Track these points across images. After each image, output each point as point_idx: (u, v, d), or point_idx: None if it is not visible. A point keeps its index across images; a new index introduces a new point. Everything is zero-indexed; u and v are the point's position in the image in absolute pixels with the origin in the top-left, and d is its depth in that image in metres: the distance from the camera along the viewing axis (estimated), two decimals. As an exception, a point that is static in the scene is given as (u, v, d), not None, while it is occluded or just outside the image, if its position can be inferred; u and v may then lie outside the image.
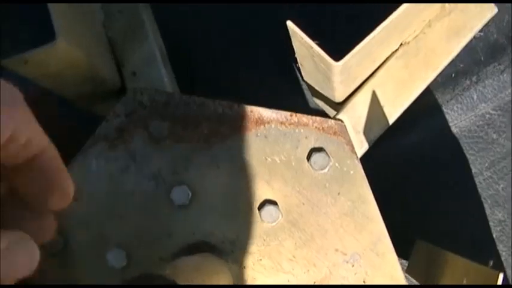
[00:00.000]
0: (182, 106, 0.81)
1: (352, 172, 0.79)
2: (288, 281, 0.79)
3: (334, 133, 0.79)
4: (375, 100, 0.84)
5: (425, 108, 1.08)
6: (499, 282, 0.62)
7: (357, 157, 0.79)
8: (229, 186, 0.80)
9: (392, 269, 0.79)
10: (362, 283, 0.78)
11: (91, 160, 0.82)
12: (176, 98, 0.82)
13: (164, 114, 0.81)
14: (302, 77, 0.95)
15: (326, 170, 0.79)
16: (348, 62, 0.72)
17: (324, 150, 0.79)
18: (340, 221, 0.79)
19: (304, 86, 1.05)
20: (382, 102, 0.84)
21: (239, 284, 0.79)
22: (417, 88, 0.85)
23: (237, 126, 0.80)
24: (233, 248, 0.79)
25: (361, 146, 0.84)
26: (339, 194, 0.79)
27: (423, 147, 1.09)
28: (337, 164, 0.79)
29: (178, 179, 0.80)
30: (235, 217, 0.80)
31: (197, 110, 0.81)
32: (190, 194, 0.79)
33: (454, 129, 1.10)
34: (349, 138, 0.79)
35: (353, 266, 0.79)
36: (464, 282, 0.71)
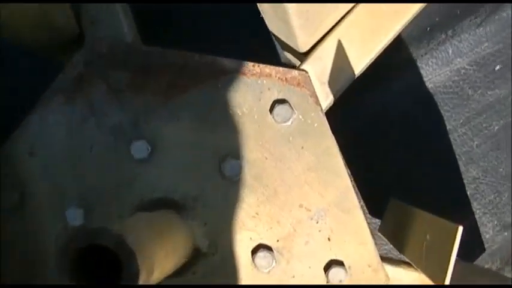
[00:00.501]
0: (142, 56, 0.78)
1: (316, 125, 0.76)
2: (251, 238, 0.77)
3: (298, 84, 0.76)
4: (340, 50, 0.80)
5: (399, 62, 1.04)
6: (458, 235, 0.59)
7: (322, 109, 0.76)
8: (190, 139, 0.77)
9: (358, 226, 0.76)
10: (327, 240, 0.75)
11: (48, 113, 0.79)
12: (136, 47, 0.80)
13: (123, 64, 0.78)
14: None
15: (289, 123, 0.76)
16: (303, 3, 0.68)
17: (287, 102, 0.75)
18: (304, 176, 0.76)
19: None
20: (348, 52, 0.80)
21: (199, 241, 0.77)
22: (385, 37, 0.81)
23: (198, 77, 0.77)
24: (194, 204, 0.77)
25: (327, 98, 0.80)
26: (302, 148, 0.76)
27: (396, 103, 1.05)
28: (300, 117, 0.76)
29: (138, 133, 0.77)
30: (196, 172, 0.77)
31: (158, 60, 0.78)
32: (149, 148, 0.77)
33: (429, 85, 1.06)
34: (314, 89, 0.76)
35: (317, 222, 0.76)
36: (427, 238, 0.68)
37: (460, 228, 0.57)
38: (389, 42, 0.81)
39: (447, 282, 0.58)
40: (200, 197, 0.77)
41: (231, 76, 0.76)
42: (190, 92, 0.77)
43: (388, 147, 1.04)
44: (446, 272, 0.57)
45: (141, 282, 0.58)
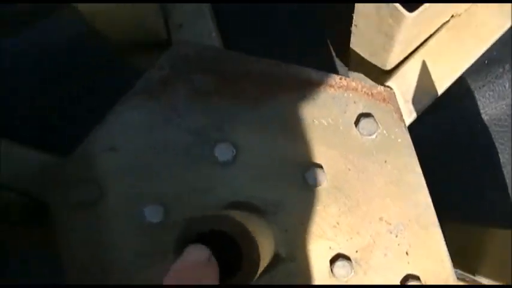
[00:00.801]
0: (230, 62, 0.80)
1: (399, 140, 0.78)
2: (330, 248, 0.77)
3: (383, 100, 0.78)
4: (425, 69, 0.83)
5: (457, 93, 1.07)
6: None
7: (405, 125, 0.78)
8: (274, 147, 0.78)
9: (436, 243, 0.77)
10: (405, 255, 0.77)
11: (131, 111, 0.80)
12: (224, 53, 0.81)
13: (211, 69, 0.79)
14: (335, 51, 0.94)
15: (374, 137, 0.77)
16: (419, 15, 0.71)
17: (373, 116, 0.77)
18: (386, 189, 0.77)
19: (338, 63, 1.04)
20: (432, 72, 0.83)
21: (279, 246, 0.77)
22: (466, 61, 0.85)
23: (285, 87, 0.79)
24: (275, 210, 0.77)
25: (410, 115, 0.82)
26: (385, 162, 0.77)
27: (452, 132, 1.08)
28: (385, 131, 0.78)
29: (222, 136, 0.78)
30: (280, 179, 0.78)
31: (245, 67, 0.79)
32: (234, 151, 0.77)
33: (484, 117, 1.09)
34: (398, 105, 0.78)
35: (396, 236, 0.77)
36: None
37: None
38: (470, 65, 0.84)
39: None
40: (282, 204, 0.77)
41: (317, 87, 0.78)
42: (276, 101, 0.78)
43: (436, 173, 1.06)
44: None
45: (257, 273, 0.58)
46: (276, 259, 0.77)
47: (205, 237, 0.59)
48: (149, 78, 0.80)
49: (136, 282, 0.79)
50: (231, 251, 0.59)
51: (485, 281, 0.81)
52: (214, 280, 0.55)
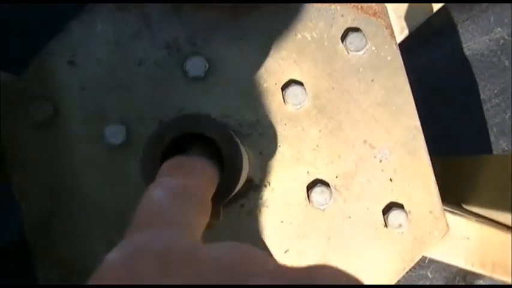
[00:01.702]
0: (207, -31, 0.72)
1: (389, 58, 0.71)
2: (308, 172, 0.71)
3: (374, 14, 0.72)
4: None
5: (439, 26, 1.02)
6: None
7: (396, 43, 0.71)
8: (252, 62, 0.71)
9: (423, 169, 0.72)
10: (389, 181, 0.71)
11: (97, 20, 0.72)
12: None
13: (185, -23, 0.72)
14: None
15: (361, 53, 0.71)
16: None
17: (361, 31, 0.71)
18: (371, 110, 0.71)
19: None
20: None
21: (253, 171, 0.71)
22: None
23: (266, -3, 0.71)
24: (250, 131, 0.71)
25: (402, 32, 0.76)
26: (372, 80, 0.71)
27: (433, 67, 1.03)
28: (373, 48, 0.71)
29: (196, 50, 0.71)
30: (256, 97, 0.71)
31: (222, -26, 0.72)
32: (207, 66, 0.70)
33: (467, 52, 1.04)
34: (389, 21, 0.72)
35: (381, 161, 0.71)
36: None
37: None
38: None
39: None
40: (257, 125, 0.71)
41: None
42: (257, 13, 0.71)
43: (419, 112, 1.01)
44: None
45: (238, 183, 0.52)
46: (248, 185, 0.71)
47: (183, 140, 0.53)
48: (118, -14, 0.73)
49: (101, 206, 0.72)
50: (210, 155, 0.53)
51: (474, 210, 0.76)
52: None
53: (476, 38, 1.05)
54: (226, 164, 0.51)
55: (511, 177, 0.66)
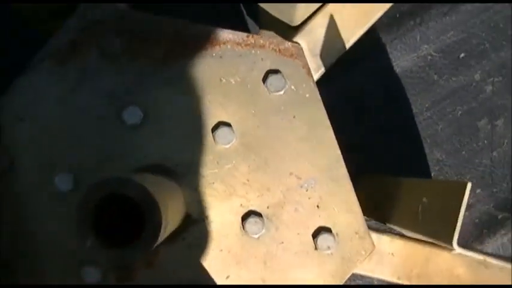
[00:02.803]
0: (138, 23, 0.78)
1: (307, 95, 0.78)
2: (241, 205, 0.78)
3: (291, 55, 0.78)
4: (332, 24, 0.83)
5: (370, 46, 1.09)
6: (467, 191, 0.62)
7: (313, 80, 0.78)
8: (183, 107, 0.78)
9: (347, 194, 0.78)
10: (316, 208, 0.78)
11: (39, 77, 0.78)
12: (132, 14, 0.79)
13: (119, 30, 0.78)
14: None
15: (282, 93, 0.78)
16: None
17: (280, 72, 0.77)
18: (295, 145, 0.78)
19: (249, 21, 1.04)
20: (340, 26, 0.83)
21: (190, 207, 0.77)
22: (375, 14, 0.85)
23: (192, 46, 0.78)
24: (186, 171, 0.77)
25: (318, 70, 0.83)
26: (294, 117, 0.78)
27: (365, 86, 1.09)
28: (293, 87, 0.78)
29: (130, 99, 0.77)
30: (189, 139, 0.78)
31: (153, 27, 0.78)
32: (142, 115, 0.77)
33: (397, 69, 1.12)
34: (306, 61, 0.78)
35: (307, 190, 0.78)
36: (424, 201, 0.71)
37: (469, 185, 0.61)
38: (376, 20, 0.85)
39: (455, 240, 0.61)
40: (192, 164, 0.77)
41: (225, 46, 0.78)
42: (184, 60, 0.78)
43: (354, 129, 1.08)
44: (454, 230, 0.61)
45: (159, 236, 0.58)
46: (187, 220, 0.77)
47: (108, 201, 0.59)
48: (56, 43, 0.79)
49: (56, 246, 0.78)
50: (134, 214, 0.59)
51: (396, 228, 0.83)
52: None
53: (404, 56, 1.12)
54: (147, 219, 0.58)
55: (419, 201, 0.73)
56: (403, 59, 1.10)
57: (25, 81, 0.78)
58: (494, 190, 1.11)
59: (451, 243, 0.62)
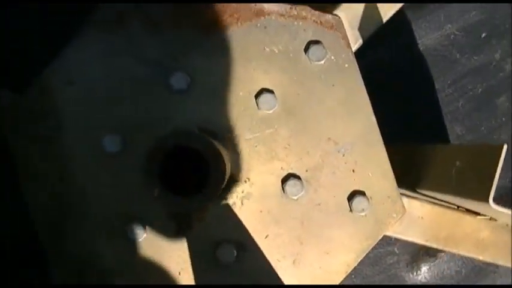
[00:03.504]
0: (183, -7, 0.82)
1: (346, 65, 0.82)
2: (282, 168, 0.82)
3: (331, 27, 0.82)
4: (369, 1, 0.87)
5: (397, 25, 1.13)
6: (503, 153, 0.66)
7: (352, 51, 0.82)
8: (227, 74, 0.82)
9: (381, 160, 0.83)
10: (351, 172, 0.82)
11: (87, 43, 0.82)
12: (178, -15, 0.83)
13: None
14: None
15: (322, 62, 0.82)
16: None
17: (321, 43, 0.81)
18: (333, 111, 0.82)
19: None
20: (377, 2, 0.87)
21: (233, 169, 0.81)
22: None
23: (238, 16, 0.82)
24: (230, 134, 0.81)
25: (356, 41, 0.87)
26: (333, 85, 0.82)
27: (391, 62, 1.14)
28: (333, 57, 0.82)
29: (177, 65, 0.81)
30: (233, 104, 0.82)
31: (199, -2, 0.82)
32: (189, 80, 0.81)
33: (421, 47, 1.16)
34: (345, 32, 0.82)
35: (344, 155, 0.82)
36: (457, 165, 0.75)
37: (505, 146, 0.65)
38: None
39: (491, 197, 0.66)
40: (235, 128, 0.81)
41: (269, 17, 0.82)
42: (230, 30, 0.82)
43: (381, 100, 1.12)
44: (490, 189, 0.65)
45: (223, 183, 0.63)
46: (231, 181, 0.81)
47: (173, 155, 0.63)
48: (105, 11, 0.82)
49: (103, 209, 0.82)
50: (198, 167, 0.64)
51: (426, 193, 0.88)
52: None
53: (428, 34, 1.17)
54: (211, 169, 0.62)
55: (452, 165, 0.78)
56: (427, 37, 1.14)
57: (75, 48, 0.82)
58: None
59: (487, 200, 0.67)
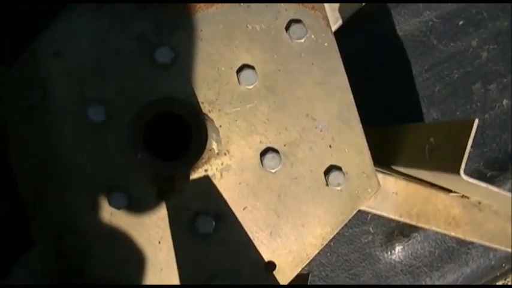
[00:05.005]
0: (170, -30, 0.84)
1: (326, 44, 0.85)
2: (260, 142, 0.85)
3: (312, 8, 0.85)
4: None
5: (376, 10, 1.16)
6: (474, 126, 0.69)
7: (332, 31, 0.85)
8: (210, 50, 0.84)
9: (357, 136, 0.85)
10: (328, 148, 0.85)
11: (75, 17, 0.84)
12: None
13: (152, -24, 0.84)
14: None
15: (302, 41, 0.84)
16: None
17: (302, 22, 0.84)
18: (312, 88, 0.85)
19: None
20: (357, -17, 0.91)
21: (213, 142, 0.84)
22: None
23: (222, -5, 0.84)
24: (211, 108, 0.84)
25: (336, 22, 0.90)
26: (312, 64, 0.85)
27: (370, 47, 1.17)
28: (313, 36, 0.85)
29: (162, 40, 0.84)
30: (215, 79, 0.84)
31: (184, -25, 0.84)
32: (173, 54, 0.83)
33: (399, 33, 1.19)
34: (326, 13, 0.85)
35: (321, 131, 0.85)
36: (431, 141, 0.78)
37: (476, 120, 0.68)
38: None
39: (462, 168, 0.69)
40: (216, 103, 0.84)
41: (252, -4, 0.84)
42: (214, 7, 0.84)
43: (360, 85, 1.15)
44: (461, 161, 0.68)
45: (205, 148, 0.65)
46: (211, 153, 0.84)
47: (156, 121, 0.66)
48: (91, -13, 0.85)
49: (85, 174, 0.84)
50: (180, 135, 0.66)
51: (401, 169, 0.91)
52: None
53: (407, 20, 1.20)
54: (194, 134, 0.65)
55: (426, 142, 0.81)
56: (406, 23, 1.17)
57: (62, 21, 0.84)
58: (485, 150, 1.20)
59: (458, 172, 0.70)
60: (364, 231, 1.17)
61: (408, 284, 1.19)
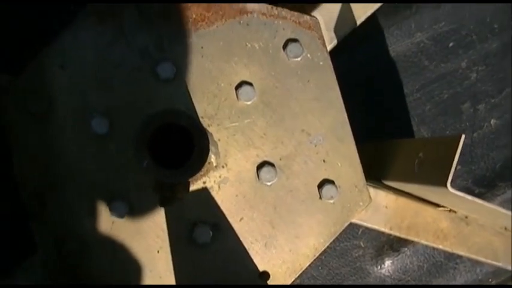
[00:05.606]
0: (174, -12, 0.88)
1: (321, 63, 0.89)
2: (257, 155, 0.88)
3: (309, 27, 0.89)
4: (346, 3, 0.94)
5: (369, 31, 1.21)
6: (461, 142, 0.73)
7: (327, 50, 0.89)
8: (210, 66, 0.88)
9: (350, 152, 0.89)
10: (322, 162, 0.88)
11: (81, 32, 0.87)
12: (168, -19, 0.89)
13: (155, -6, 0.88)
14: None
15: (299, 59, 0.88)
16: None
17: (299, 41, 0.88)
18: (307, 105, 0.88)
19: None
20: (353, 5, 0.94)
21: (212, 155, 0.87)
22: (381, -2, 0.96)
23: (223, 13, 0.88)
24: (210, 122, 0.87)
25: (331, 42, 0.93)
26: (308, 81, 0.88)
27: (363, 66, 1.22)
28: (309, 55, 0.88)
29: (164, 55, 0.87)
30: (215, 95, 0.88)
31: (187, -6, 0.88)
32: (175, 70, 0.87)
33: (392, 53, 1.24)
34: (321, 33, 0.89)
35: (316, 146, 0.88)
36: (420, 156, 0.82)
37: (463, 136, 0.72)
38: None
39: (449, 181, 0.73)
40: (215, 117, 0.87)
41: (251, 15, 0.88)
42: (214, 26, 0.88)
43: (353, 102, 1.19)
44: (448, 174, 0.72)
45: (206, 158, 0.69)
46: (210, 166, 0.87)
47: (161, 132, 0.69)
48: (97, 5, 0.88)
49: (87, 183, 0.87)
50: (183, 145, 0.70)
51: (391, 184, 0.94)
52: None
53: (400, 41, 1.25)
54: (196, 146, 0.68)
55: (415, 157, 0.85)
56: (398, 44, 1.22)
57: (68, 34, 0.87)
58: (473, 167, 1.24)
59: (445, 185, 0.73)
60: (355, 246, 1.20)
61: (398, 297, 1.22)
